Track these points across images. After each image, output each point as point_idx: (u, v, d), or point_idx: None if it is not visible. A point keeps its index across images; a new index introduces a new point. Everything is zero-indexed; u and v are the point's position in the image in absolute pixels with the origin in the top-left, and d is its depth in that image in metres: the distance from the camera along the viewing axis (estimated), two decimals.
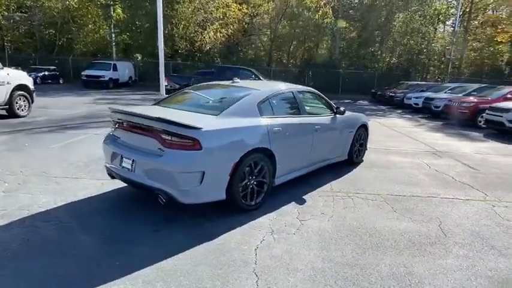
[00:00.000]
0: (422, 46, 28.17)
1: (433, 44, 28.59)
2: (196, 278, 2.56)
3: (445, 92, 15.85)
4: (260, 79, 13.63)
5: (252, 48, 33.08)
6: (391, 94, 20.33)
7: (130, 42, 27.93)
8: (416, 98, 16.79)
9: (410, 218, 3.82)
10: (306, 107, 4.74)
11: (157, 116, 3.26)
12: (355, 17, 29.24)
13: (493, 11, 31.49)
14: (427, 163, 6.35)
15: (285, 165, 4.16)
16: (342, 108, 5.27)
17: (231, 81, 4.68)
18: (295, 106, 4.58)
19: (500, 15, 30.63)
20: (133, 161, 3.42)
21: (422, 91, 18.19)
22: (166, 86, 13.30)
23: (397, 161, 6.44)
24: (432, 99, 14.76)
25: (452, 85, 17.06)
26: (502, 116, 9.70)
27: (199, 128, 3.19)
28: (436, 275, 2.73)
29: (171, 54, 26.48)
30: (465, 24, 29.87)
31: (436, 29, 30.94)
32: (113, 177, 3.91)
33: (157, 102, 4.50)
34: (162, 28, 11.03)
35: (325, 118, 5.00)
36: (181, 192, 3.23)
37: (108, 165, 3.84)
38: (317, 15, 25.52)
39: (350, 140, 5.62)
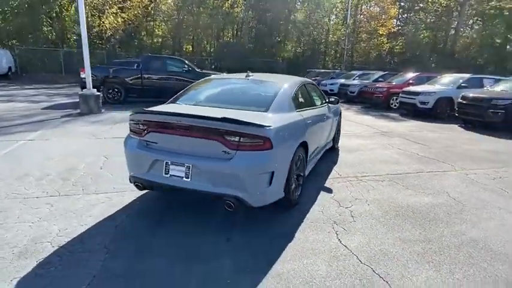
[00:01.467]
0: (322, 37, 30.85)
1: (330, 35, 31.56)
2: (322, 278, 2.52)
3: (354, 79, 17.89)
4: (195, 70, 13.11)
5: (157, 36, 31.24)
6: None
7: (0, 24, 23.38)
8: (332, 84, 18.48)
9: (423, 192, 4.38)
10: (314, 98, 4.90)
11: (222, 116, 2.98)
12: (264, 7, 30.19)
13: (372, 7, 36.26)
14: (387, 143, 7.21)
15: (311, 156, 4.29)
16: (333, 98, 5.58)
17: (245, 74, 4.50)
18: (309, 98, 4.70)
19: (375, 10, 35.48)
20: (188, 167, 3.06)
21: (333, 78, 20.15)
22: (83, 78, 11.70)
23: (363, 143, 7.14)
24: (347, 85, 16.47)
25: (358, 72, 19.28)
26: (414, 99, 11.50)
27: (269, 126, 3.06)
28: (489, 236, 3.26)
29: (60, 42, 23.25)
30: (354, 17, 33.78)
31: (330, 21, 34.16)
32: (142, 188, 3.43)
33: (175, 100, 4.05)
34: (83, 8, 9.57)
35: (325, 107, 5.24)
36: (253, 195, 3.07)
37: (139, 175, 3.33)
38: (226, 3, 25.51)
39: (335, 127, 6.01)
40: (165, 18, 30.33)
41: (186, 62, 13.42)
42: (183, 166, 3.08)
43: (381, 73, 16.83)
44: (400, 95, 12.33)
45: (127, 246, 2.91)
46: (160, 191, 3.69)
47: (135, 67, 12.66)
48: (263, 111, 3.50)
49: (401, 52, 32.39)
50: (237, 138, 2.97)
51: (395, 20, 33.87)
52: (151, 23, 29.97)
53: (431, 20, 32.28)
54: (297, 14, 30.15)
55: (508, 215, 3.78)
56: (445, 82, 11.81)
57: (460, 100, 10.02)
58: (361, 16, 34.68)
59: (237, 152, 2.98)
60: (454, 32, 33.02)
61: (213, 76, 4.94)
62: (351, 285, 2.47)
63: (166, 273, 2.57)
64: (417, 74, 14.30)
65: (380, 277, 2.58)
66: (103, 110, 10.19)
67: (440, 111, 11.15)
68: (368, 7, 35.94)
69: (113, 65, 13.49)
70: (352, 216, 3.60)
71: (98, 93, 10.29)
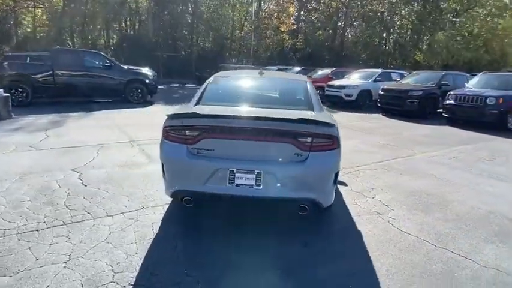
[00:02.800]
0: (229, 32, 31.10)
1: (237, 31, 32.04)
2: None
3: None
4: (119, 66, 11.79)
5: (31, 24, 26.79)
6: None
7: None
8: None
9: (417, 176, 4.97)
10: None
11: (298, 117, 2.85)
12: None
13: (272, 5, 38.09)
14: (344, 135, 7.81)
15: None
16: None
17: (258, 71, 4.32)
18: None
19: (275, 8, 37.39)
20: (259, 174, 2.84)
21: None
22: None
23: None
24: None
25: (275, 68, 20.17)
26: (340, 92, 12.68)
27: (334, 125, 3.05)
28: (496, 203, 3.91)
29: None
30: (257, 14, 34.96)
31: (233, 15, 34.62)
32: (191, 203, 3.04)
33: (198, 102, 3.63)
34: None
35: None
36: (326, 196, 3.04)
37: (192, 189, 2.94)
38: None
39: None
40: (46, 4, 25.86)
41: (108, 56, 11.98)
42: (252, 173, 2.84)
43: (298, 69, 17.94)
44: (326, 88, 13.41)
45: (211, 268, 2.56)
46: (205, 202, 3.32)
47: (43, 62, 10.70)
48: (308, 110, 3.45)
49: (301, 48, 34.96)
50: (309, 139, 2.88)
51: (294, 18, 36.22)
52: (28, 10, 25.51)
53: (323, 20, 35.63)
54: (202, 7, 29.63)
55: (488, 187, 4.58)
56: (363, 76, 13.32)
57: (381, 92, 11.46)
58: (264, 13, 36.09)
59: (310, 153, 2.90)
60: (341, 31, 37.22)
61: (224, 74, 4.58)
62: (447, 269, 2.69)
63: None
64: (334, 69, 15.74)
65: (455, 253, 2.87)
66: (13, 115, 8.42)
67: (362, 102, 12.56)
68: (269, 5, 37.62)
69: (6, 59, 11.12)
70: (386, 205, 3.86)
71: (6, 94, 8.44)
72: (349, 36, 37.41)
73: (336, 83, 13.31)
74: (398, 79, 13.00)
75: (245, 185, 2.85)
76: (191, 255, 2.75)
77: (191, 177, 2.94)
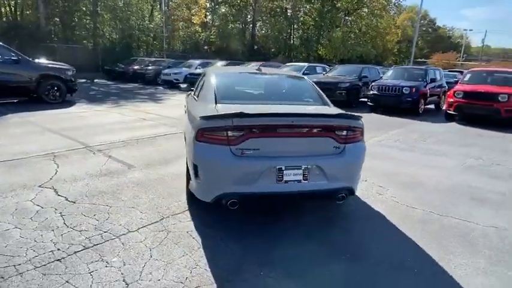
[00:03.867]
0: (139, 22, 29.13)
1: (146, 22, 30.19)
2: None
3: (197, 68, 18.33)
4: (29, 61, 10.06)
5: None
6: (140, 70, 20.47)
7: None
8: (176, 73, 18.22)
9: (383, 159, 5.60)
10: None
11: (338, 113, 3.01)
12: None
13: None
14: None
15: None
16: None
17: (256, 67, 4.31)
18: None
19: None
20: (306, 169, 2.93)
21: (170, 67, 19.85)
22: None
23: None
24: (198, 74, 16.71)
25: (198, 61, 19.75)
26: None
27: (361, 118, 3.30)
28: (452, 175, 4.71)
29: None
30: (168, 4, 33.44)
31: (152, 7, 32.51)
32: (235, 206, 2.95)
33: (216, 100, 3.46)
34: None
35: None
36: (357, 183, 3.28)
37: (239, 191, 2.86)
38: None
39: None
40: None
41: (12, 49, 10.16)
42: (300, 169, 2.91)
43: (224, 62, 17.92)
44: None
45: (283, 264, 2.56)
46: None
47: None
48: (324, 105, 3.64)
49: (216, 41, 34.82)
50: (345, 132, 3.08)
51: (206, 11, 35.75)
52: None
53: (234, 13, 36.08)
54: None
55: (437, 163, 5.46)
56: (292, 70, 14.03)
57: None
58: (173, 3, 34.71)
59: (346, 146, 3.09)
60: (251, 25, 38.28)
61: (222, 70, 4.41)
62: (462, 232, 3.21)
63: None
64: (262, 63, 16.18)
65: (457, 219, 3.44)
66: None
67: None
68: None
69: None
70: (381, 187, 4.32)
71: None
72: (262, 31, 38.62)
73: None
74: (324, 72, 14.09)
75: (293, 181, 2.90)
76: (255, 256, 2.69)
77: (239, 179, 2.85)
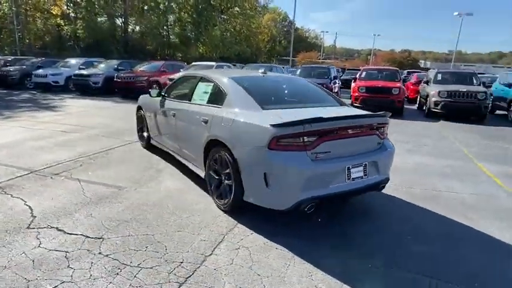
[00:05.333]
0: None
1: None
2: None
3: (81, 68, 16.16)
4: None
5: None
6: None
7: None
8: (54, 75, 15.64)
9: None
10: None
11: (383, 112, 3.41)
12: None
13: None
14: None
15: None
16: None
17: (261, 70, 4.32)
18: None
19: None
20: (365, 165, 3.25)
21: (40, 67, 16.93)
22: None
23: None
24: (87, 75, 14.75)
25: (81, 60, 17.33)
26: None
27: None
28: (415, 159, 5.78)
29: None
30: None
31: None
32: (311, 210, 3.06)
33: (262, 106, 3.40)
34: None
35: None
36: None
37: (319, 194, 2.98)
38: None
39: None
40: None
41: None
42: (361, 166, 3.22)
43: (116, 61, 16.33)
44: (170, 82, 13.15)
45: (374, 256, 2.84)
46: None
47: None
48: (343, 105, 4.00)
49: (84, 37, 30.86)
50: (382, 129, 3.52)
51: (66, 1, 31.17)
52: None
53: (102, 5, 32.67)
54: None
55: None
56: (204, 69, 13.90)
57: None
58: None
59: (384, 141, 3.55)
60: (123, 20, 35.44)
61: (234, 74, 4.17)
62: (480, 200, 4.08)
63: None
64: (164, 62, 15.43)
65: (458, 193, 4.34)
66: None
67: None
68: None
69: None
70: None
71: None
72: (137, 26, 36.15)
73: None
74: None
75: (358, 177, 3.18)
76: (344, 255, 2.86)
77: (317, 182, 2.95)
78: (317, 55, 58.33)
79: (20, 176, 4.39)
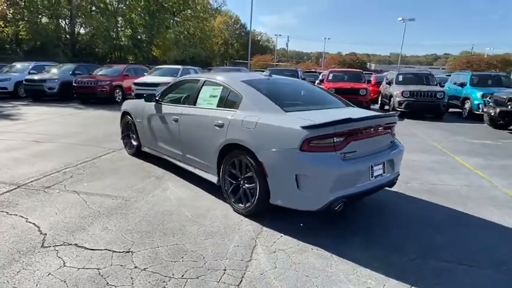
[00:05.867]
0: None
1: None
2: None
3: (31, 72, 14.96)
4: None
5: None
6: None
7: None
8: (2, 80, 14.33)
9: None
10: None
11: (393, 113, 3.62)
12: None
13: None
14: None
15: None
16: None
17: (266, 73, 4.37)
18: None
19: None
20: (384, 163, 3.43)
21: None
22: None
23: None
24: (43, 80, 13.67)
25: (30, 64, 16.00)
26: (155, 89, 12.40)
27: None
28: None
29: None
30: None
31: None
32: (340, 208, 3.16)
33: (284, 109, 3.43)
34: None
35: None
36: None
37: (348, 193, 3.07)
38: None
39: None
40: None
41: None
42: (381, 164, 3.39)
43: (73, 65, 15.34)
44: (136, 87, 12.64)
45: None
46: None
47: None
48: (348, 106, 4.16)
49: (26, 39, 28.47)
50: (392, 129, 3.73)
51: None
52: None
53: (47, 5, 30.43)
54: None
55: None
56: (166, 73, 13.62)
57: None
58: None
59: (394, 139, 3.77)
60: (70, 21, 33.28)
61: (245, 78, 4.09)
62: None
63: None
64: (127, 65, 14.78)
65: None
66: None
67: None
68: None
69: None
70: None
71: None
72: (86, 28, 34.12)
73: (148, 80, 12.81)
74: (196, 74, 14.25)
75: (379, 175, 3.35)
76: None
77: (346, 181, 3.05)
78: (271, 58, 59.40)
79: (8, 192, 3.99)
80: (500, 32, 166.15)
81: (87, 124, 8.67)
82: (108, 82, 13.08)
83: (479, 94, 10.84)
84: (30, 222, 3.26)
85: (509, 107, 8.27)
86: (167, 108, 4.64)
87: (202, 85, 4.27)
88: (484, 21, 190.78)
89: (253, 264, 2.70)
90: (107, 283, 2.40)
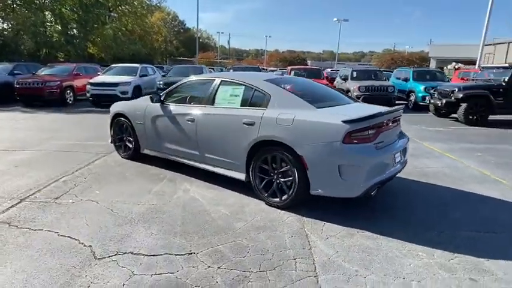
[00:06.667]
0: None
1: None
2: None
3: None
4: None
5: None
6: None
7: None
8: None
9: None
10: None
11: (401, 106, 4.04)
12: None
13: None
14: None
15: None
16: None
17: (279, 73, 4.51)
18: None
19: None
20: (400, 152, 3.84)
21: None
22: None
23: None
24: None
25: None
26: (114, 89, 11.78)
27: None
28: None
29: None
30: None
31: None
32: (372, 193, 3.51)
33: (315, 105, 3.66)
34: None
35: None
36: None
37: (380, 179, 3.41)
38: None
39: None
40: None
41: None
42: (399, 152, 3.79)
43: (10, 65, 13.77)
44: (91, 87, 11.85)
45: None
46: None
47: None
48: (356, 101, 4.53)
49: None
50: (400, 121, 4.16)
51: None
52: None
53: None
54: None
55: None
56: (125, 71, 12.95)
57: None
58: None
59: (401, 130, 4.21)
60: None
61: (268, 77, 4.17)
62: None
63: None
64: (76, 65, 13.71)
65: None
66: None
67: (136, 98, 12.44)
68: None
69: None
70: None
71: None
72: (8, 24, 30.57)
73: (106, 79, 12.03)
74: (152, 73, 13.81)
75: (398, 162, 3.74)
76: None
77: (379, 168, 3.40)
78: (214, 55, 59.04)
79: (13, 206, 3.63)
80: (417, 32, 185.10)
81: (53, 129, 7.95)
82: (58, 82, 12.03)
83: (422, 87, 12.17)
84: (64, 236, 3.05)
85: (452, 98, 9.46)
86: (178, 108, 4.56)
87: (219, 85, 4.28)
88: (403, 22, 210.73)
89: (315, 251, 2.88)
90: (191, 285, 2.41)
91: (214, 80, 4.40)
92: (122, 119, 5.35)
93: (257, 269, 2.61)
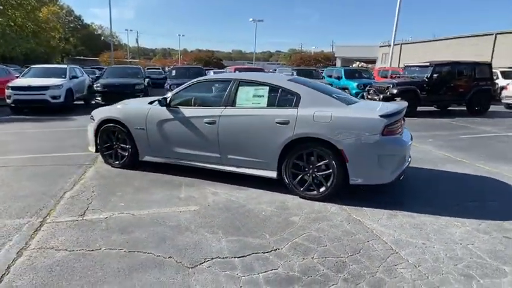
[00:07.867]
0: None
1: None
2: None
3: None
4: None
5: None
6: None
7: None
8: None
9: None
10: None
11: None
12: None
13: None
14: None
15: None
16: None
17: (290, 73, 4.73)
18: None
19: None
20: (410, 143, 4.44)
21: None
22: None
23: None
24: None
25: None
26: (44, 93, 10.36)
27: None
28: None
29: None
30: None
31: None
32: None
33: (349, 104, 4.01)
34: None
35: None
36: None
37: (405, 168, 3.97)
38: None
39: None
40: None
41: None
42: (410, 143, 4.38)
43: None
44: (13, 92, 10.15)
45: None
46: None
47: None
48: (364, 100, 5.05)
49: None
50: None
51: None
52: None
53: None
54: None
55: None
56: (52, 73, 11.41)
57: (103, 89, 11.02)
58: None
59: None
60: None
61: (289, 77, 4.25)
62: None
63: None
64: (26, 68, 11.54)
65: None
66: None
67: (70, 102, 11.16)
68: None
69: None
70: None
71: None
72: None
73: (31, 82, 10.38)
74: (81, 75, 12.61)
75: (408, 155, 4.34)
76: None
77: (405, 157, 3.94)
78: (124, 54, 55.23)
79: (39, 230, 3.13)
80: (317, 33, 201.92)
81: (2, 142, 6.73)
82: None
83: (355, 84, 13.69)
84: (134, 251, 2.81)
85: (388, 93, 10.91)
86: (192, 111, 4.42)
87: (238, 86, 4.30)
88: (305, 24, 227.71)
89: (379, 232, 3.23)
90: (302, 276, 2.52)
91: (230, 81, 4.40)
92: (113, 125, 4.91)
93: (347, 254, 2.84)
